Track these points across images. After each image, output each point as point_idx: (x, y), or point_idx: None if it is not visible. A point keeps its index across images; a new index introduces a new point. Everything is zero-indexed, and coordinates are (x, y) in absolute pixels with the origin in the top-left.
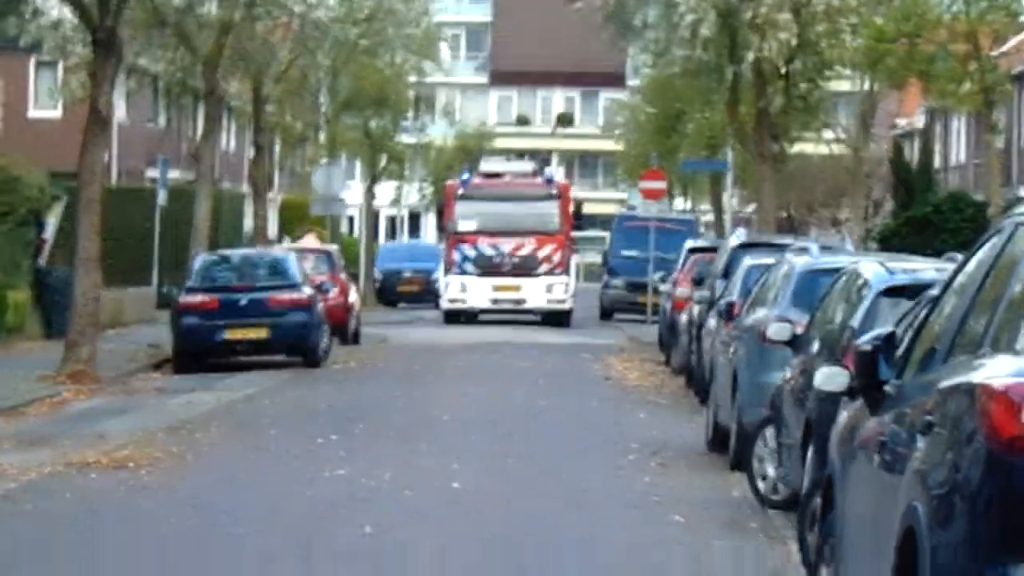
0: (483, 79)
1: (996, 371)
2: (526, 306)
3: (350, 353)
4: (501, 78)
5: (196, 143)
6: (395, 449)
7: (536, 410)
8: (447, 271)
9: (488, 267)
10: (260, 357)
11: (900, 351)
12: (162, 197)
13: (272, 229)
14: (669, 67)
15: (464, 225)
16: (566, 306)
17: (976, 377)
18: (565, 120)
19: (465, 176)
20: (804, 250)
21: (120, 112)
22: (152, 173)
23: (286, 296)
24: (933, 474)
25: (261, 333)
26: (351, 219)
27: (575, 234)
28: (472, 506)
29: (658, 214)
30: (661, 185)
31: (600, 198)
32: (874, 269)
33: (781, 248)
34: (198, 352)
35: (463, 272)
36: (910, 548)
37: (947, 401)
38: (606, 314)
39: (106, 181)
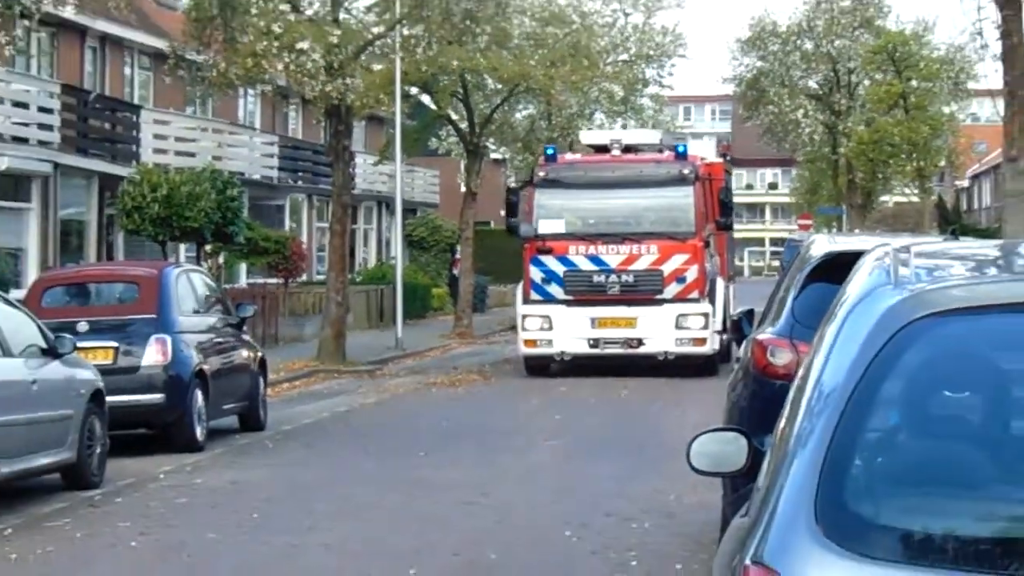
0: None
1: (764, 330)
2: (644, 350)
3: None
4: None
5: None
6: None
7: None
8: (524, 299)
9: (584, 290)
10: None
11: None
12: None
13: None
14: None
15: (546, 225)
16: (705, 349)
17: (756, 335)
18: None
19: (550, 151)
20: None
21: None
22: None
23: None
24: (732, 390)
25: None
26: None
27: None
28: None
29: None
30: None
31: None
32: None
33: None
34: None
35: (546, 299)
36: None
37: (747, 347)
38: None
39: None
